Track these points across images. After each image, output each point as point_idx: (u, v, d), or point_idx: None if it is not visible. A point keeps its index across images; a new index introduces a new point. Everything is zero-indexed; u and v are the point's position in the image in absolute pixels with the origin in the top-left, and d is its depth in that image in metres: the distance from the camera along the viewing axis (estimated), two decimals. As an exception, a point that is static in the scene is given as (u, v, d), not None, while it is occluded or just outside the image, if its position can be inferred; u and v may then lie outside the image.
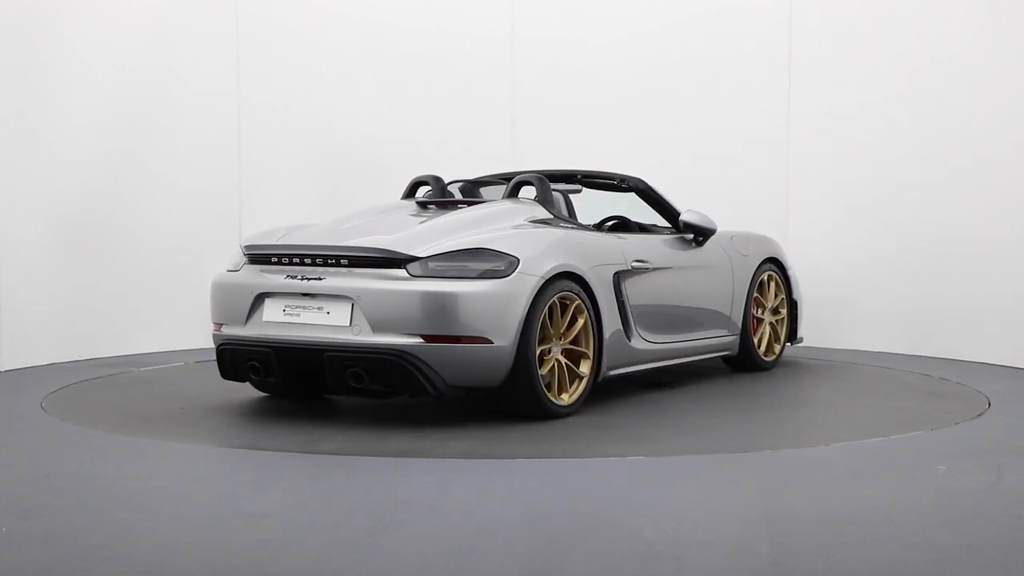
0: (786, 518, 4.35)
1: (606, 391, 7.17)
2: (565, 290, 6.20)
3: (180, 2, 9.37)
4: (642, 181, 7.46)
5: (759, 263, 7.88)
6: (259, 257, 6.41)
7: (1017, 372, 8.02)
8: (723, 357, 7.87)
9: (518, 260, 6.02)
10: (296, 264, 6.22)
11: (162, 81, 9.22)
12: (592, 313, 6.37)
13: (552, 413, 6.17)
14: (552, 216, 6.78)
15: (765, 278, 7.96)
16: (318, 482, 4.92)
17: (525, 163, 9.32)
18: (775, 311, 8.11)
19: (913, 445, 5.67)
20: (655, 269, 6.97)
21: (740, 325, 7.71)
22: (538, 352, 6.06)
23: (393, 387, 5.98)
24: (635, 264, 6.79)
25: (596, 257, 6.51)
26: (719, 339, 7.56)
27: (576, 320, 6.32)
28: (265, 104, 9.68)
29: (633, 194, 7.58)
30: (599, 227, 7.52)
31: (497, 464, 5.26)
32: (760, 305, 7.96)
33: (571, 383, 6.34)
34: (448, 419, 6.23)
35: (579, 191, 7.43)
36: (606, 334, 6.46)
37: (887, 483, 4.91)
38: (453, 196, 7.37)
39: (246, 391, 7.07)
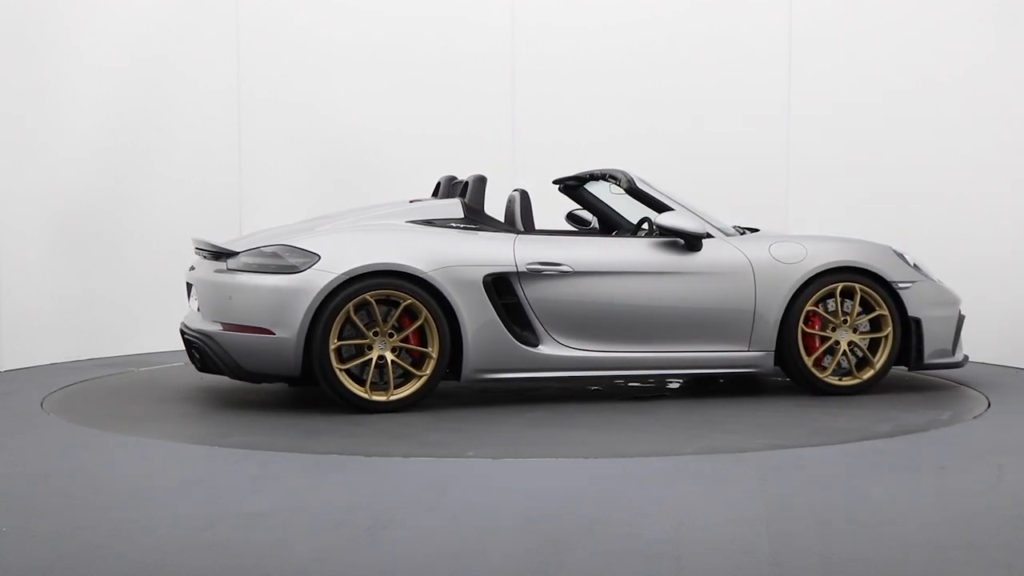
0: (786, 518, 4.35)
1: (608, 393, 7.17)
2: (390, 288, 6.34)
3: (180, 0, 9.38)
4: (631, 181, 7.04)
5: (816, 273, 6.91)
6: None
7: (1017, 372, 8.02)
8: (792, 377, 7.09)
9: (318, 257, 6.36)
10: (199, 258, 6.95)
11: (162, 79, 9.22)
12: (441, 313, 6.41)
13: (363, 408, 6.36)
14: (462, 216, 6.77)
15: (838, 290, 6.97)
16: (318, 482, 4.92)
17: (525, 161, 9.33)
18: (873, 327, 7.04)
19: (913, 445, 5.67)
20: (580, 273, 6.69)
21: (774, 341, 6.90)
22: (335, 346, 6.29)
23: (220, 369, 6.53)
24: (533, 267, 6.63)
25: (455, 259, 6.50)
26: (729, 354, 6.88)
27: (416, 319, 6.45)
28: (266, 101, 9.67)
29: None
30: (636, 229, 7.39)
31: (497, 464, 5.26)
32: (826, 321, 6.98)
33: (408, 381, 6.45)
34: (449, 420, 6.23)
35: (622, 193, 7.29)
36: (469, 335, 6.48)
37: (887, 483, 4.91)
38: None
39: (246, 390, 7.07)
